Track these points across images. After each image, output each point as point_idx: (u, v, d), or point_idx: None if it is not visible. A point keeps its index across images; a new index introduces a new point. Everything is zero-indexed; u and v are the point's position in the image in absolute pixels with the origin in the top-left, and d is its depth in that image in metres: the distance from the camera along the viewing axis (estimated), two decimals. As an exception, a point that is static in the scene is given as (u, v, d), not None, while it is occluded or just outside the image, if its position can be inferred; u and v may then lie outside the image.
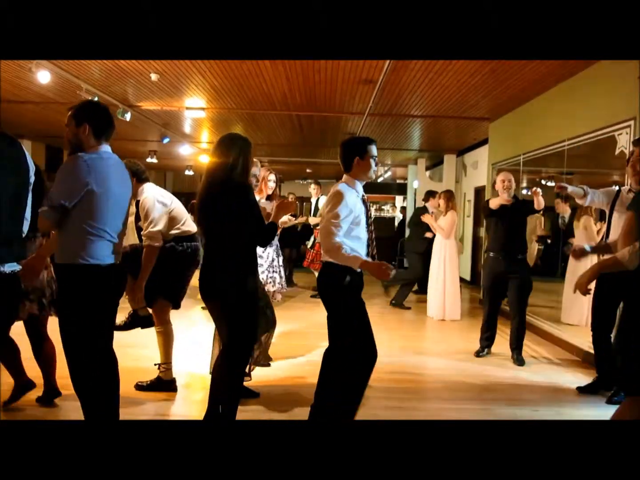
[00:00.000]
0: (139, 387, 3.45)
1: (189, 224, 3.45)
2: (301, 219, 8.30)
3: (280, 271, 4.04)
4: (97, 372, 2.39)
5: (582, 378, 4.03)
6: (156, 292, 3.41)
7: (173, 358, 3.53)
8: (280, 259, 4.11)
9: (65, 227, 2.27)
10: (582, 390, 3.72)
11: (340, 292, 2.66)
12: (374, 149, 2.70)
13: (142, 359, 3.92)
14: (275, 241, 4.05)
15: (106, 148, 2.39)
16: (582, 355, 4.56)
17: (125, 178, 2.49)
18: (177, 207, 3.46)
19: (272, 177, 3.89)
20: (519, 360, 4.38)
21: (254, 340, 2.73)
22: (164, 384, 3.45)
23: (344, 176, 2.74)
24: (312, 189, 8.27)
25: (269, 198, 3.84)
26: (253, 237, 2.56)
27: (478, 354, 4.61)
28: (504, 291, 4.46)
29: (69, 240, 2.29)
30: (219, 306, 2.59)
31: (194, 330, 5.14)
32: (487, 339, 4.62)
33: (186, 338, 4.55)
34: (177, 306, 3.50)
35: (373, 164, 2.69)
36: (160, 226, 3.27)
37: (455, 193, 10.29)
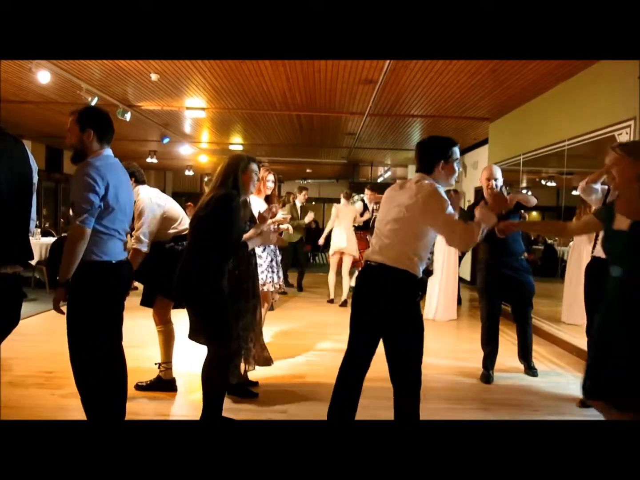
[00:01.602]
0: (139, 387, 3.45)
1: (185, 224, 3.47)
2: (303, 221, 8.26)
3: (278, 271, 4.04)
4: (102, 370, 2.43)
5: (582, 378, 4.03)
6: (157, 291, 3.42)
7: (173, 357, 3.53)
8: (279, 259, 4.11)
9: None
10: (585, 405, 3.49)
11: (415, 303, 2.42)
12: (458, 152, 2.47)
13: (142, 359, 3.91)
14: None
15: (109, 152, 2.48)
16: (582, 355, 4.56)
17: (128, 180, 2.60)
18: (173, 207, 3.49)
19: (271, 177, 3.88)
20: (532, 370, 4.14)
21: (228, 339, 2.76)
22: (164, 384, 3.45)
23: (422, 175, 2.44)
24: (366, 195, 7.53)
25: (267, 198, 3.84)
26: (224, 247, 2.65)
27: (488, 380, 3.95)
28: (500, 297, 4.11)
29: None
30: (190, 308, 2.76)
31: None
32: (490, 356, 4.04)
33: (186, 337, 4.54)
34: (180, 305, 3.51)
35: (457, 167, 2.47)
36: (151, 228, 3.31)
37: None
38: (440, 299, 6.25)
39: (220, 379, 2.73)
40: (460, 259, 6.84)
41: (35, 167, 2.20)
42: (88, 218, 2.28)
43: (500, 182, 3.88)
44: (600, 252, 3.50)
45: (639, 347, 2.11)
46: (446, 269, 6.28)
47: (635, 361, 2.12)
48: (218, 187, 2.67)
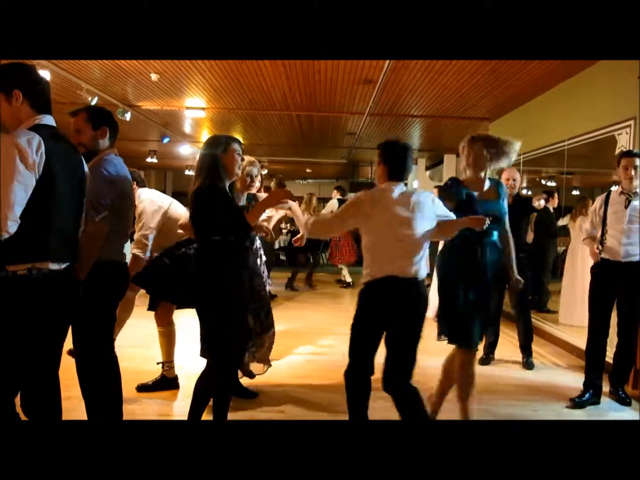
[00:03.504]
0: (144, 387, 3.44)
1: None
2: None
3: (262, 272, 3.99)
4: (105, 369, 2.46)
5: (582, 379, 4.03)
6: (169, 299, 3.41)
7: (175, 357, 3.55)
8: (263, 259, 4.04)
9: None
10: (576, 406, 3.56)
11: None
12: None
13: (143, 359, 3.92)
14: (257, 243, 3.94)
15: (115, 152, 2.49)
16: (582, 355, 4.55)
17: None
18: (175, 207, 3.48)
19: (255, 171, 3.81)
20: (528, 364, 4.30)
21: (237, 349, 2.54)
22: (168, 382, 3.49)
23: None
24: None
25: (253, 196, 3.72)
26: (228, 233, 2.43)
27: (483, 362, 4.35)
28: (503, 291, 4.27)
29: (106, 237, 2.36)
30: (200, 306, 2.51)
31: (195, 330, 5.14)
32: (490, 345, 4.41)
33: (187, 337, 4.54)
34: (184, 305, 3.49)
35: None
36: (151, 230, 3.30)
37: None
38: None
39: (210, 391, 2.51)
40: None
41: (88, 176, 2.20)
42: (110, 217, 2.31)
43: (518, 182, 4.29)
44: (606, 254, 3.54)
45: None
46: None
47: None
48: (196, 178, 2.46)
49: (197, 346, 2.51)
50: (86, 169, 2.19)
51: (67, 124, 2.45)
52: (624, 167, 3.46)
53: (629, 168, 3.42)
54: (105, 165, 2.34)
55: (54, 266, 1.95)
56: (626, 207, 3.46)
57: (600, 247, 3.61)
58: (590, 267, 3.71)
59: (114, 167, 2.36)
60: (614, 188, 3.62)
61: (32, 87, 1.97)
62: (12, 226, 1.76)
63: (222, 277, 2.43)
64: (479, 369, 4.16)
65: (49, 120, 2.00)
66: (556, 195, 5.62)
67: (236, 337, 2.50)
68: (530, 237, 4.77)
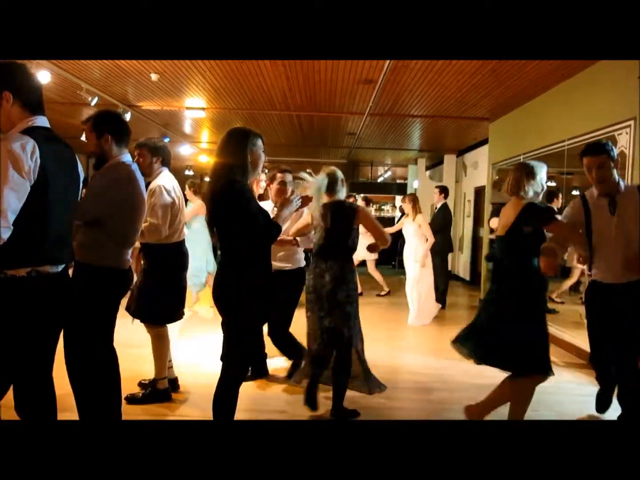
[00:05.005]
0: (133, 400, 3.31)
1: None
2: None
3: None
4: (101, 370, 2.45)
5: (582, 379, 4.04)
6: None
7: (173, 358, 3.55)
8: None
9: (100, 231, 2.36)
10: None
11: None
12: None
13: (143, 359, 3.91)
14: None
15: (128, 157, 2.52)
16: (582, 355, 4.56)
17: (143, 186, 2.59)
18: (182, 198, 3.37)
19: (264, 176, 3.82)
20: None
21: (251, 356, 2.50)
22: (171, 383, 3.48)
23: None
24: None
25: (260, 198, 3.67)
26: (259, 235, 2.33)
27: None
28: None
29: (101, 243, 2.37)
30: (226, 309, 2.40)
31: (195, 331, 5.15)
32: None
33: (181, 336, 4.54)
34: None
35: None
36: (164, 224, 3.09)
37: (455, 193, 10.32)
38: (421, 304, 6.09)
39: (226, 394, 2.42)
40: None
41: (82, 174, 2.20)
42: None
43: None
44: (597, 275, 2.93)
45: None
46: (423, 274, 6.09)
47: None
48: (221, 174, 2.31)
49: (196, 350, 2.51)
50: (81, 170, 2.19)
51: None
52: (587, 169, 2.85)
53: (591, 169, 2.82)
54: (106, 172, 2.37)
55: (53, 269, 1.96)
56: (612, 213, 2.81)
57: (589, 269, 3.00)
58: (585, 292, 3.14)
59: (112, 174, 2.38)
60: (587, 192, 2.99)
61: (23, 88, 1.93)
62: (5, 233, 1.75)
63: (255, 281, 2.34)
64: (479, 369, 4.17)
65: (42, 121, 1.97)
66: (560, 195, 5.60)
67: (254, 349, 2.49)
68: None
